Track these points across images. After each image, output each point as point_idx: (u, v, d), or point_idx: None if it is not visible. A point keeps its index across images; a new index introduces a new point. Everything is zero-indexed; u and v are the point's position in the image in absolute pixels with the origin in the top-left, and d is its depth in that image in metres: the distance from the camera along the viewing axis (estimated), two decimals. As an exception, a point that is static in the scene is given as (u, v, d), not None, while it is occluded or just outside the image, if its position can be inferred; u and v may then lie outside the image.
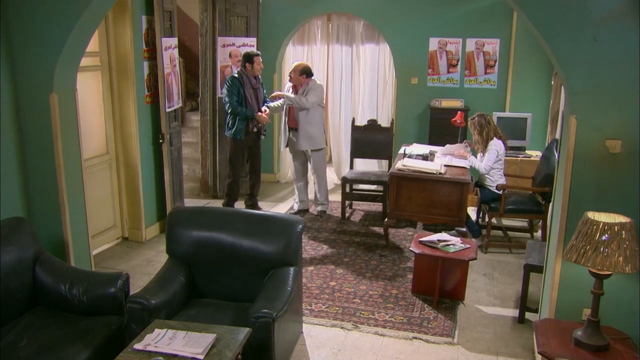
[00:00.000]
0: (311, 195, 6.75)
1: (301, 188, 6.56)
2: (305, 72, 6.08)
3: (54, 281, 3.39)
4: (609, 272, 2.82)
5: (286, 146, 6.39)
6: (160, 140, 5.61)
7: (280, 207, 6.86)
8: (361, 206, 6.89)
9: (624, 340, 2.99)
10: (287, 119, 6.24)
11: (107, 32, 5.22)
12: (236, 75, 6.02)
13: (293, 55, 7.93)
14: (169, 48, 5.62)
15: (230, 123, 6.10)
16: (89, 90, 5.09)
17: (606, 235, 2.74)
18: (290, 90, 6.19)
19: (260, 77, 6.17)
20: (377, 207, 6.82)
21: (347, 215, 6.54)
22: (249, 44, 6.82)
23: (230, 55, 6.81)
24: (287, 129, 6.26)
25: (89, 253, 4.24)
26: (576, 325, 3.09)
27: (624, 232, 2.74)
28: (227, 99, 5.99)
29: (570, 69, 3.13)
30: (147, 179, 5.63)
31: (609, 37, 3.01)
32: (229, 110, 6.01)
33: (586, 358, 2.85)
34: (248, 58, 5.98)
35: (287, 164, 8.09)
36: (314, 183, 6.47)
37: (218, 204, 6.70)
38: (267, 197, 7.18)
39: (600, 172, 3.14)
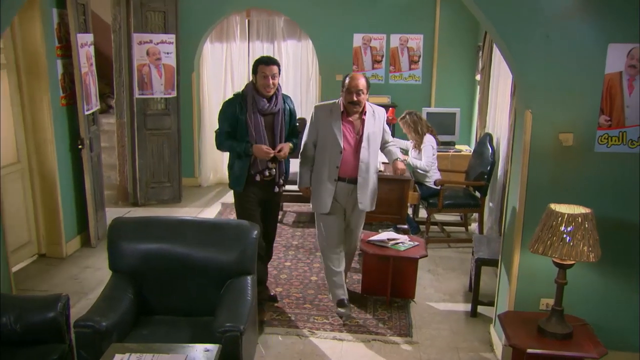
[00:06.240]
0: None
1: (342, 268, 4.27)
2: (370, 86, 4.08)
3: (-23, 311, 2.96)
4: (572, 262, 2.90)
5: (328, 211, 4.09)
6: (80, 146, 5.13)
7: (207, 212, 6.53)
8: (292, 207, 6.73)
9: (583, 327, 3.10)
10: (332, 165, 3.98)
11: (12, 25, 4.68)
12: (239, 92, 4.01)
13: (212, 54, 7.60)
14: (85, 45, 5.16)
15: (229, 165, 4.12)
16: (-6, 92, 4.55)
17: (571, 227, 2.82)
18: (340, 121, 3.94)
19: (279, 97, 3.95)
20: (308, 207, 6.69)
21: (279, 217, 6.35)
22: (167, 41, 6.45)
23: (147, 54, 6.39)
24: (335, 180, 4.01)
25: (8, 274, 3.78)
26: (537, 316, 3.15)
27: (586, 222, 2.83)
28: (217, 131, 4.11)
29: (525, 65, 3.21)
30: (66, 189, 5.13)
31: (561, 34, 3.12)
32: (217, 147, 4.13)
33: (554, 346, 2.93)
34: (253, 66, 3.95)
35: (207, 166, 7.74)
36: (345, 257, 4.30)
37: (139, 212, 6.24)
38: (191, 203, 6.85)
39: (555, 165, 3.25)
